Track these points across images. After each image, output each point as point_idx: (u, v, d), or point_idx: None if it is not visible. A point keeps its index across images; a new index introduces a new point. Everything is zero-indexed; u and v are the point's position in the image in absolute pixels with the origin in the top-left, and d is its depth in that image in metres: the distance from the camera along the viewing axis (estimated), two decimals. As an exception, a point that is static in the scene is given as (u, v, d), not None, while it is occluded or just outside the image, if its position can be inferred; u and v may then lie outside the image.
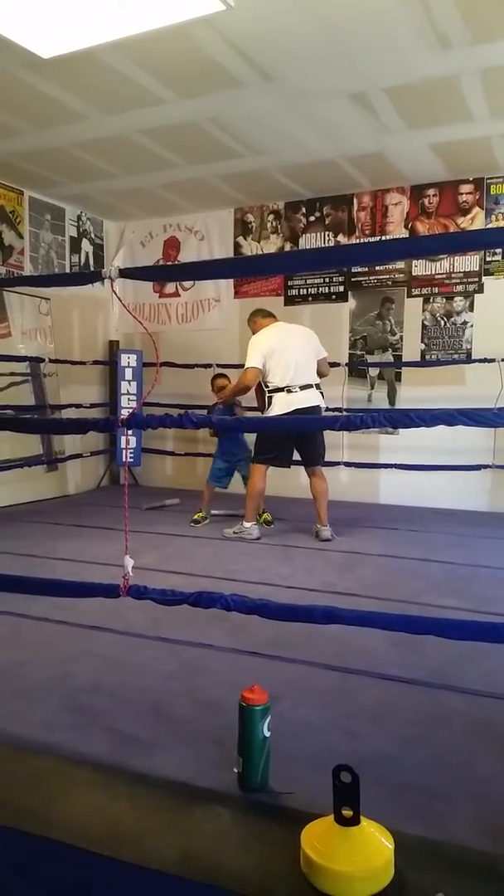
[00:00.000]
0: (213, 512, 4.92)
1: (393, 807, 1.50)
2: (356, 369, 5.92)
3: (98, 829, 1.43)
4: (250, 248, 6.28)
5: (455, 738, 1.85)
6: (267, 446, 4.39)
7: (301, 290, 6.12)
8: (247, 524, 4.41)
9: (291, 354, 4.25)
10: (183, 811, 1.49)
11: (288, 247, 6.12)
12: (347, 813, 1.29)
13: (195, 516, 4.84)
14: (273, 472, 4.48)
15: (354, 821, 1.29)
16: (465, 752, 1.78)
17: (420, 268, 5.69)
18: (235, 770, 1.58)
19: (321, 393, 4.34)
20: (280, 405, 4.21)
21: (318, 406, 4.27)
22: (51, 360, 5.93)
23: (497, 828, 1.45)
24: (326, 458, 5.57)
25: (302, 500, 5.80)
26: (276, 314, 4.59)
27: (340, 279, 5.99)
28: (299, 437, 4.36)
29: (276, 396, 4.24)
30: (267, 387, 4.29)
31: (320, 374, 4.42)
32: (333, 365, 5.70)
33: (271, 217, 6.21)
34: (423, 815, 1.49)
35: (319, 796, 1.39)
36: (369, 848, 1.28)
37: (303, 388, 4.22)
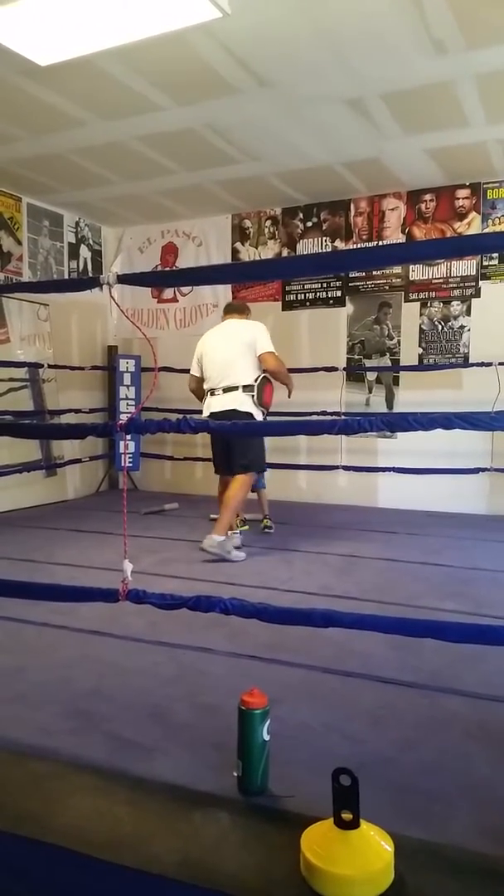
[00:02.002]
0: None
1: (392, 810, 1.50)
2: (354, 374, 5.93)
3: (98, 834, 1.43)
4: (248, 253, 6.30)
5: (454, 741, 1.85)
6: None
7: (299, 295, 6.14)
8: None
9: (217, 355, 4.02)
10: (183, 815, 1.49)
11: (285, 252, 6.14)
12: (347, 816, 1.30)
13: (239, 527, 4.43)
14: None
15: (354, 824, 1.29)
16: (465, 755, 1.78)
17: (417, 272, 5.71)
18: (235, 774, 1.58)
19: (252, 395, 3.90)
20: (204, 409, 4.03)
21: (235, 410, 3.84)
22: (49, 366, 5.93)
23: (497, 830, 1.45)
24: (324, 462, 5.64)
25: (301, 504, 5.83)
26: (243, 310, 4.34)
27: (338, 284, 6.00)
28: (218, 442, 4.13)
29: (206, 400, 4.09)
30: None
31: (272, 374, 4.03)
32: (330, 369, 5.75)
33: (269, 223, 6.23)
34: (422, 818, 1.49)
35: (319, 800, 1.39)
36: (369, 851, 1.28)
37: (226, 390, 3.94)
